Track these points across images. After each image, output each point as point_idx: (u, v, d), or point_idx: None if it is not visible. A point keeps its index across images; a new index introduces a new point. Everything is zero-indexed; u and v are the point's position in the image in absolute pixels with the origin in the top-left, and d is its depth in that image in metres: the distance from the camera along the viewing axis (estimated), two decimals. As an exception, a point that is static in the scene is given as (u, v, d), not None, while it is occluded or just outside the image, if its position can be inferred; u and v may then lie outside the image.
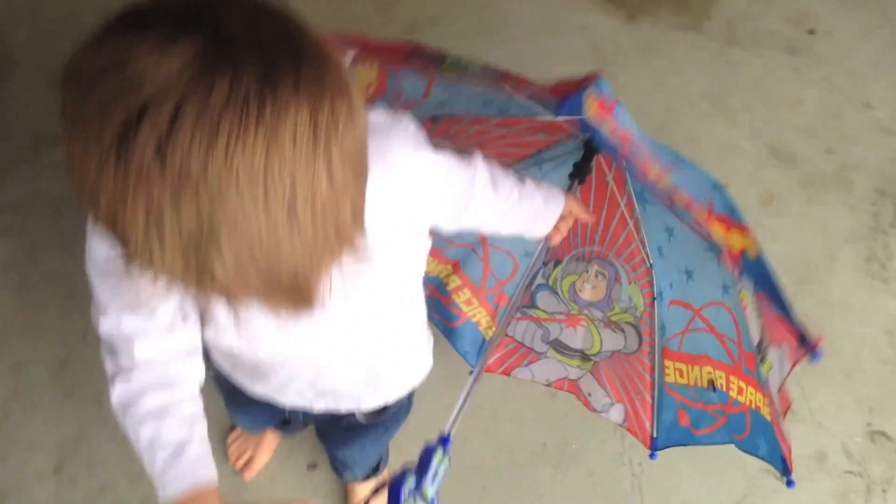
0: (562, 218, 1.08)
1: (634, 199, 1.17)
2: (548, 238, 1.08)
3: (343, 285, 0.74)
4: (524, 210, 1.01)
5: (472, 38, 1.93)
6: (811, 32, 2.01)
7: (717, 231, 0.89)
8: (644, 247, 1.19)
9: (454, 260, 1.30)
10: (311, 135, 0.50)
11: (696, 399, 1.20)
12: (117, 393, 0.79)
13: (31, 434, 1.54)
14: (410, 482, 0.89)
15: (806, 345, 0.88)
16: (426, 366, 1.05)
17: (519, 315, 1.33)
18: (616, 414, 1.30)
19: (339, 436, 1.17)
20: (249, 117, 0.48)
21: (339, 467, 1.36)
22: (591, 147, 1.10)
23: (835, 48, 1.99)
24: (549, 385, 1.35)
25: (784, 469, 1.14)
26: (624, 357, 1.27)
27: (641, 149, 0.90)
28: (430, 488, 0.89)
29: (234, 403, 1.19)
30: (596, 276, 1.26)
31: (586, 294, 1.28)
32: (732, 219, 0.91)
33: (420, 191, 0.81)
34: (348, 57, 0.94)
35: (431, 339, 1.04)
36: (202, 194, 0.48)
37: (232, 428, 1.53)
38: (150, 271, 0.53)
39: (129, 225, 0.51)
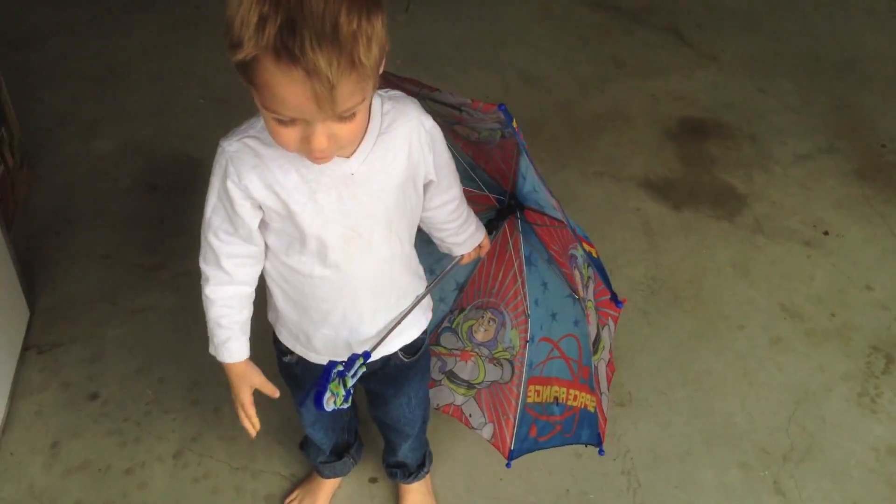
0: (478, 246, 1.47)
1: (524, 263, 1.56)
2: (460, 256, 1.47)
3: (378, 222, 1.21)
4: (465, 224, 1.41)
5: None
6: (825, 234, 2.46)
7: (584, 245, 1.28)
8: (525, 300, 1.56)
9: None
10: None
11: (543, 412, 1.56)
12: (206, 294, 1.27)
13: (162, 428, 1.95)
14: (340, 367, 1.25)
15: (616, 302, 1.30)
16: (430, 311, 1.46)
17: None
18: (487, 432, 1.64)
19: (389, 389, 1.50)
20: None
21: (393, 440, 1.68)
22: (503, 213, 1.53)
23: (844, 246, 2.43)
24: (437, 409, 1.69)
25: (598, 442, 1.51)
26: (499, 386, 1.62)
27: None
28: (350, 380, 1.25)
29: (303, 390, 1.50)
30: (489, 321, 1.63)
31: (480, 336, 1.64)
32: (581, 234, 1.34)
33: (424, 141, 1.21)
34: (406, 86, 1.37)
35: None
36: (291, 4, 0.90)
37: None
38: (251, 58, 0.93)
39: (246, 27, 0.91)
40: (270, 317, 1.39)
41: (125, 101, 2.86)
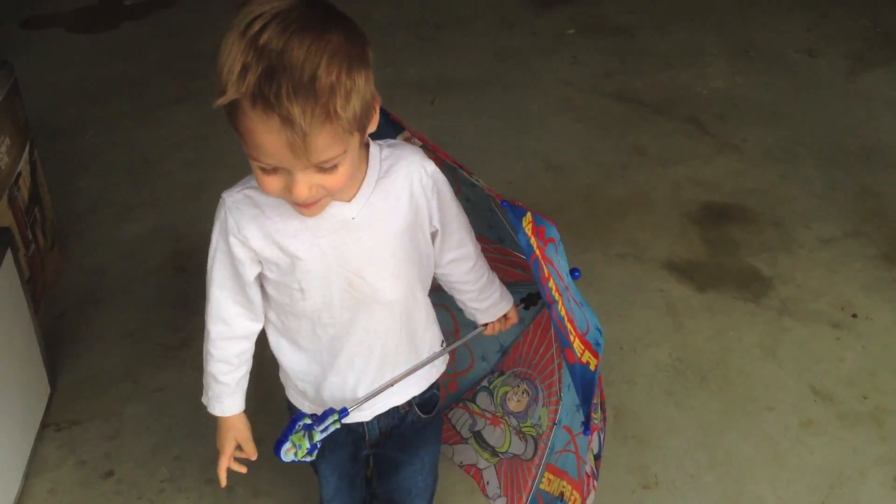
0: (502, 317, 1.43)
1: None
2: (484, 325, 1.43)
3: (389, 265, 1.21)
4: (488, 290, 1.38)
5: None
6: (854, 316, 2.42)
7: (578, 345, 1.21)
8: (560, 382, 1.53)
9: None
10: (343, 50, 0.98)
11: (548, 503, 1.52)
12: (207, 348, 1.29)
13: (176, 507, 1.93)
14: (307, 420, 1.22)
15: (585, 427, 1.28)
16: (443, 364, 1.42)
17: (461, 404, 1.67)
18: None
19: (404, 453, 1.45)
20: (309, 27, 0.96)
21: None
22: None
23: (874, 329, 2.38)
24: (461, 467, 1.65)
25: None
26: (519, 462, 1.58)
27: (556, 272, 1.22)
28: (317, 434, 1.22)
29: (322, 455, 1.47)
30: (523, 393, 1.59)
31: (512, 405, 1.61)
32: (593, 347, 1.24)
33: (427, 185, 1.21)
34: (415, 142, 1.38)
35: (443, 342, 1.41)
36: (272, 55, 0.95)
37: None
38: (237, 107, 0.98)
39: (230, 73, 0.95)
40: (281, 376, 1.39)
41: (158, 188, 2.94)
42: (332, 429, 1.24)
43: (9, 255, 1.89)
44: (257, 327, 1.29)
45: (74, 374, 2.24)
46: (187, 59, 3.70)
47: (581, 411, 1.42)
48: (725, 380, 2.22)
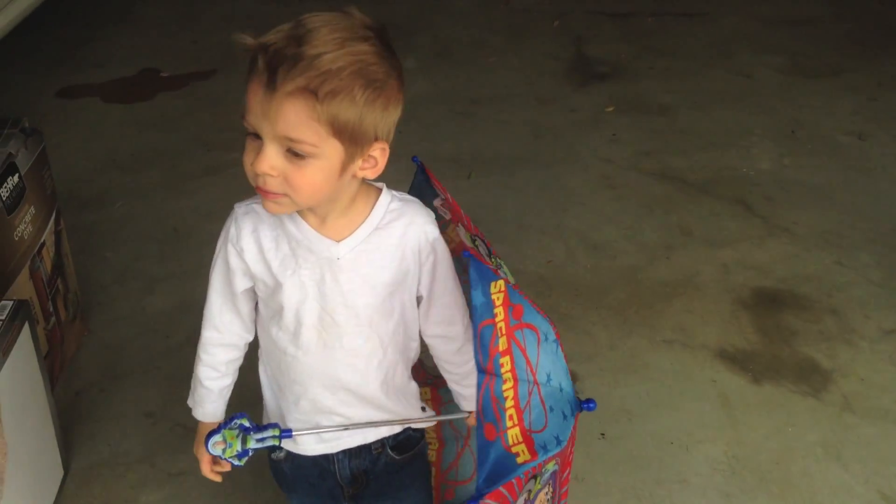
0: None
1: None
2: (468, 412, 1.33)
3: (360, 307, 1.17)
4: (472, 378, 1.20)
5: (618, 392, 2.32)
6: (924, 413, 2.25)
7: (514, 434, 1.08)
8: None
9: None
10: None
11: None
12: (198, 353, 1.31)
13: None
14: (245, 422, 1.19)
15: None
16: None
17: None
18: None
19: (380, 500, 1.36)
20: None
21: None
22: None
23: (948, 429, 2.21)
24: None
25: None
26: None
27: (526, 359, 1.11)
28: (252, 440, 1.20)
29: (292, 488, 1.41)
30: None
31: None
32: (535, 447, 1.09)
33: (424, 250, 1.19)
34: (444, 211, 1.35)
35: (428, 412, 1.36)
36: (303, 31, 1.03)
37: None
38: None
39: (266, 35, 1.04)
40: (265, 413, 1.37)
41: (185, 261, 2.85)
42: (269, 442, 1.22)
43: (27, 329, 1.79)
44: (248, 338, 1.31)
45: (90, 456, 2.12)
46: (222, 131, 3.66)
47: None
48: (787, 482, 2.05)
